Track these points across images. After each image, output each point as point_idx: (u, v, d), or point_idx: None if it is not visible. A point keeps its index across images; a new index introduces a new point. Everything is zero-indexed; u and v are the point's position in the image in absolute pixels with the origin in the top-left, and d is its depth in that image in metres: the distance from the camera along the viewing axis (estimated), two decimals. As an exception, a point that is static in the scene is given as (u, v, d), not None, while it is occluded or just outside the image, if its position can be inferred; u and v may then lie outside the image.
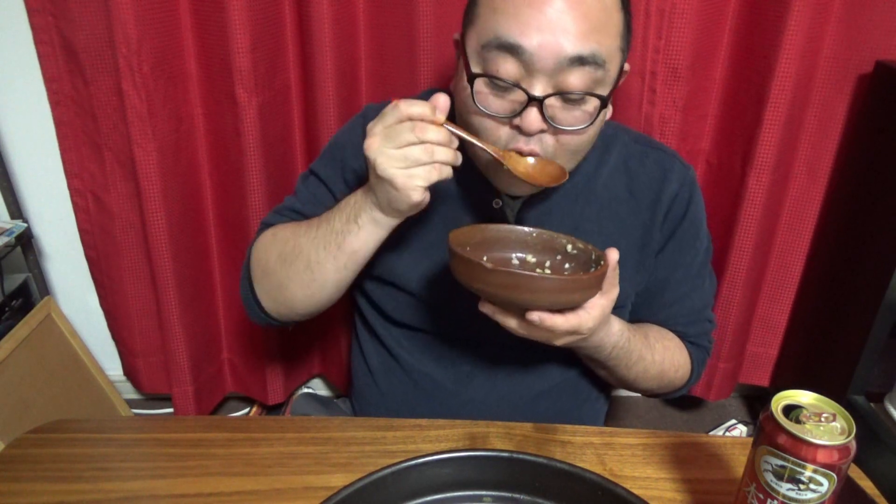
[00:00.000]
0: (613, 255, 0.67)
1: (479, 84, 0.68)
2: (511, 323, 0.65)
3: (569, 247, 0.72)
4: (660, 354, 0.81)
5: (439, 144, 0.65)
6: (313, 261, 0.76)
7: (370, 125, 0.66)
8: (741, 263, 1.31)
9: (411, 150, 0.64)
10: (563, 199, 0.81)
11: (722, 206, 1.30)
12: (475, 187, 0.79)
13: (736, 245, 1.30)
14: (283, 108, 1.23)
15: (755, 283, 1.38)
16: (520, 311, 0.64)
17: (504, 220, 0.80)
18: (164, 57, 1.16)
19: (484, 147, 0.68)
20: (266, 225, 0.88)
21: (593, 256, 0.69)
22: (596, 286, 0.64)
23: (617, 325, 0.73)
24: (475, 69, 0.68)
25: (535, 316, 0.62)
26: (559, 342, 0.67)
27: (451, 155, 0.66)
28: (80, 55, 1.18)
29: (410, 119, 0.64)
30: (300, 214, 0.86)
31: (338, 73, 1.17)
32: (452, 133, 0.66)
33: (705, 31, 1.16)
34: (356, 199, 0.73)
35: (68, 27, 1.16)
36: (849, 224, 1.28)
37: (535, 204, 0.80)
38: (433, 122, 0.65)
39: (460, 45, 0.72)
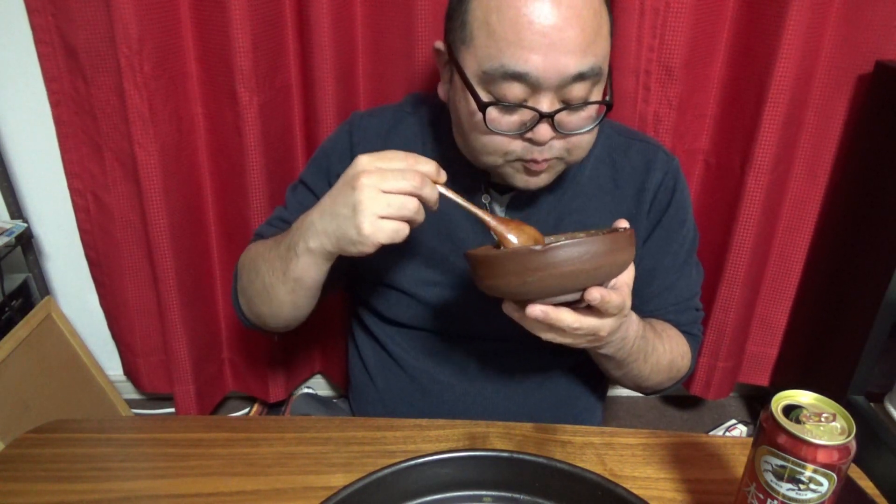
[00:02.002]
0: (625, 222, 0.67)
1: (490, 110, 0.68)
2: (567, 317, 0.61)
3: None
4: (668, 343, 0.82)
5: (428, 202, 0.65)
6: (267, 283, 0.77)
7: (367, 158, 0.64)
8: (740, 263, 1.31)
9: (400, 198, 0.63)
10: (550, 193, 0.82)
11: (721, 206, 1.30)
12: (463, 184, 0.79)
13: (735, 245, 1.30)
14: (283, 107, 1.23)
15: (755, 282, 1.38)
16: (570, 301, 0.61)
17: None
18: (166, 56, 1.16)
19: (481, 217, 0.67)
20: (258, 235, 0.89)
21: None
22: (633, 242, 0.63)
23: (634, 315, 0.73)
24: (481, 93, 0.68)
25: (595, 293, 0.59)
26: (605, 332, 0.64)
27: (423, 216, 0.66)
28: (81, 55, 1.18)
29: (417, 172, 0.64)
30: (289, 224, 0.87)
31: (337, 73, 1.17)
32: (445, 196, 0.66)
33: (701, 30, 1.16)
34: (298, 223, 0.72)
35: (68, 27, 1.16)
36: (849, 224, 1.28)
37: (522, 198, 0.81)
38: (434, 181, 0.65)
39: (452, 61, 0.71)
